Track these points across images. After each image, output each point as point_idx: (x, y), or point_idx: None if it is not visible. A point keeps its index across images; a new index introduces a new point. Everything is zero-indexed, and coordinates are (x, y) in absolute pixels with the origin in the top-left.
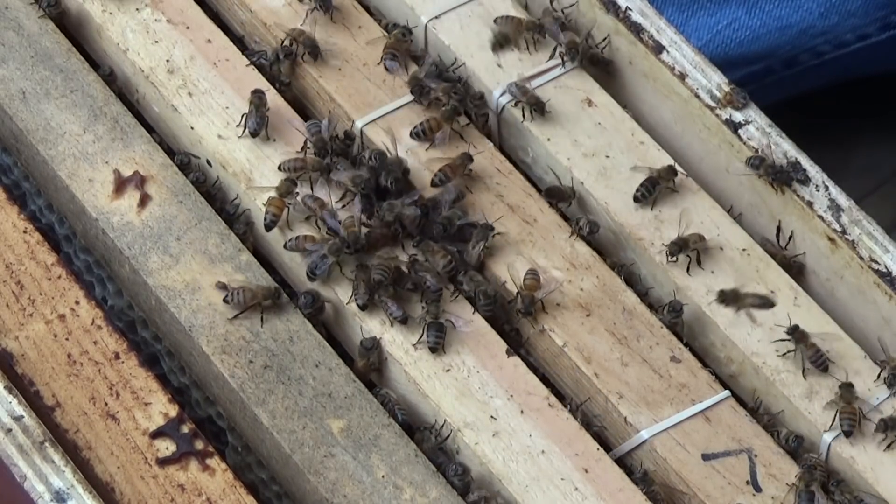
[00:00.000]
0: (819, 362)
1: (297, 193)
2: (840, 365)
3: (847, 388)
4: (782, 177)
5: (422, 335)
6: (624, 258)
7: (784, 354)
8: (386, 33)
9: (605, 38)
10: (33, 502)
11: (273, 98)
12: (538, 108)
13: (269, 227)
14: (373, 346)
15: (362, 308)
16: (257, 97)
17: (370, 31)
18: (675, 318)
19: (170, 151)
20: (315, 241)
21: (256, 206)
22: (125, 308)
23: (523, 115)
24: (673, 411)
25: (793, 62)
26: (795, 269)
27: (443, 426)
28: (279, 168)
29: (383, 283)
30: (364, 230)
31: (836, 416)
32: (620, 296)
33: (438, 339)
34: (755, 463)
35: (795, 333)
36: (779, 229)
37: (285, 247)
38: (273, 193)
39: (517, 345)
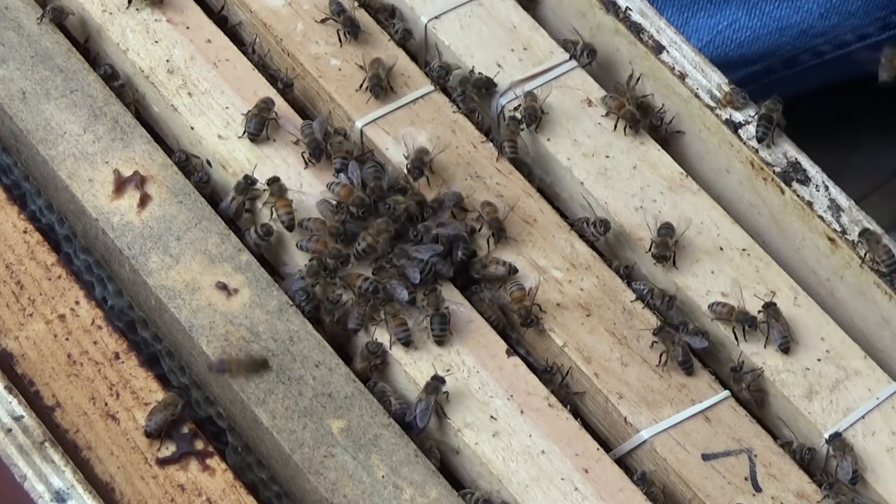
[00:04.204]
0: (783, 344)
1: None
2: (840, 365)
3: (772, 308)
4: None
5: (425, 326)
6: (624, 258)
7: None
8: (391, 35)
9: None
10: (33, 502)
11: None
12: (531, 119)
13: (289, 228)
14: (377, 352)
15: (355, 332)
16: (264, 102)
17: (370, 31)
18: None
19: (169, 152)
20: (327, 245)
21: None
22: (125, 308)
23: (522, 118)
24: (673, 411)
25: (793, 62)
26: (643, 108)
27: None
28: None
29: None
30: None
31: (768, 334)
32: (620, 296)
33: (444, 329)
34: (755, 463)
35: (770, 309)
36: (631, 76)
37: (298, 246)
38: (271, 198)
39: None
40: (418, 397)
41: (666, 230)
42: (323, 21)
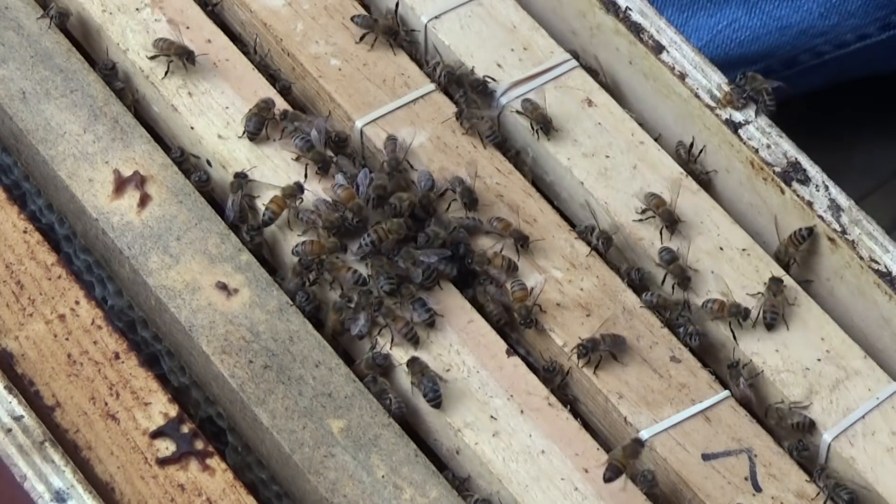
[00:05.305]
0: (769, 319)
1: (301, 199)
2: (840, 365)
3: (775, 282)
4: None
5: (412, 317)
6: (633, 261)
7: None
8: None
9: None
10: (33, 502)
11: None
12: (545, 127)
13: (265, 224)
14: (384, 364)
15: (359, 338)
16: (264, 102)
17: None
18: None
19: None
20: (324, 248)
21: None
22: (125, 308)
23: (531, 126)
24: (673, 411)
25: (793, 62)
26: (704, 182)
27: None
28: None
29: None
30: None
31: (760, 308)
32: (620, 296)
33: (428, 310)
34: (755, 463)
35: (771, 282)
36: (691, 145)
37: (293, 252)
38: (278, 192)
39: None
40: (412, 382)
41: (669, 256)
42: (362, 39)
